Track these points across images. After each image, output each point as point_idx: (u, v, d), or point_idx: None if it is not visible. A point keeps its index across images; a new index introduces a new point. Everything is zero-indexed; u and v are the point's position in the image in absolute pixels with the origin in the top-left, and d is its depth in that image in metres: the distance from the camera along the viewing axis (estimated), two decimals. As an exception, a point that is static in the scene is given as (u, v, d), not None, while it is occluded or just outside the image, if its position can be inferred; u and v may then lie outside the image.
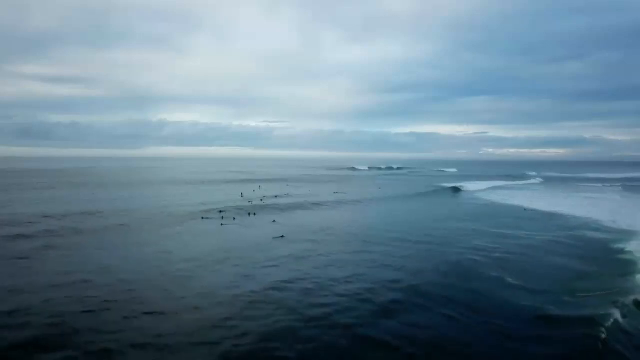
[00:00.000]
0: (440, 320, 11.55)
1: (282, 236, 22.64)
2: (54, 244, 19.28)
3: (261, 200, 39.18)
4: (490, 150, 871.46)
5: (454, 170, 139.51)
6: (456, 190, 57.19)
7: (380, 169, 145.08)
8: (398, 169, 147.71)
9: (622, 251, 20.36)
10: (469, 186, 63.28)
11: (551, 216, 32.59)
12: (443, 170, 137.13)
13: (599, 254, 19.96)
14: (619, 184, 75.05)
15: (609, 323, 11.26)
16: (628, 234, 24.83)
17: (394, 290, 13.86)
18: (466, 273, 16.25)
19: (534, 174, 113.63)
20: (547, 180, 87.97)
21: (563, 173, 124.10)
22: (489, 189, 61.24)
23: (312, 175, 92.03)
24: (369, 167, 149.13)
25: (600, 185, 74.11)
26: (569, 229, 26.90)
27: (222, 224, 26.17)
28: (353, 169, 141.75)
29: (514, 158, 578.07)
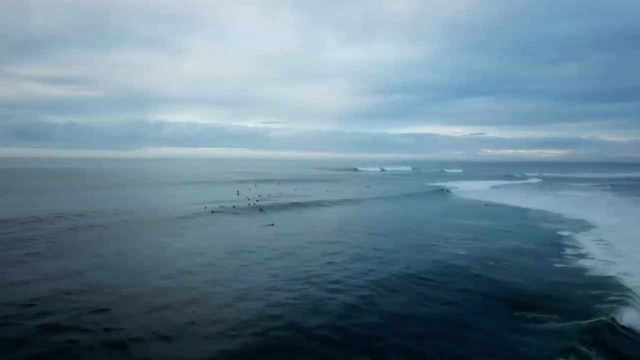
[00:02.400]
0: (399, 287, 14.95)
1: (272, 224, 26.90)
2: (80, 237, 22.25)
3: (258, 197, 42.77)
4: (489, 151, 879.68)
5: (459, 170, 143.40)
6: (445, 190, 60.30)
7: (384, 170, 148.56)
8: (413, 170, 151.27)
9: (566, 237, 24.12)
10: (462, 186, 66.58)
11: (519, 210, 36.67)
12: (444, 171, 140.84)
13: (542, 238, 23.96)
14: (609, 184, 78.55)
15: (532, 282, 15.29)
16: (581, 225, 28.54)
17: (362, 266, 17.47)
18: (427, 255, 19.87)
19: (534, 174, 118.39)
20: (541, 180, 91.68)
21: (558, 173, 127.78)
22: (488, 189, 64.57)
23: (309, 175, 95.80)
24: (379, 168, 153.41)
25: (589, 184, 77.59)
26: (528, 220, 31.07)
27: (221, 215, 30.00)
28: (355, 169, 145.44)
29: (512, 159, 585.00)
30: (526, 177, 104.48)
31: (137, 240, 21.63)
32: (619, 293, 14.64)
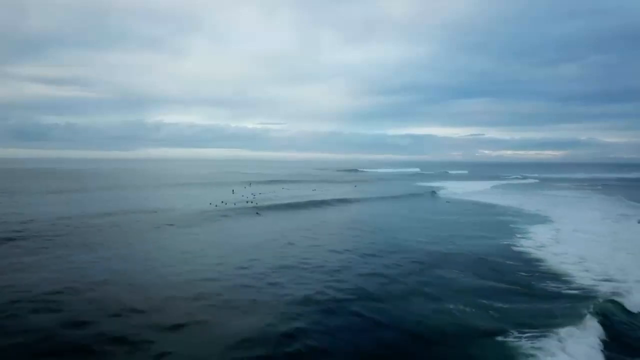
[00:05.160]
0: (366, 260, 19.20)
1: (257, 213, 33.24)
2: (109, 233, 25.01)
3: (252, 196, 46.96)
4: (487, 151, 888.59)
5: (465, 172, 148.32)
6: (433, 191, 62.48)
7: (388, 171, 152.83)
8: (420, 171, 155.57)
9: (517, 227, 28.30)
10: (459, 187, 69.65)
11: (489, 206, 41.44)
12: (448, 172, 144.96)
13: (493, 227, 28.68)
14: (600, 184, 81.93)
15: (467, 255, 19.63)
16: (539, 218, 32.68)
17: (334, 247, 21.76)
18: (392, 240, 24.07)
19: (534, 175, 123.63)
20: (538, 181, 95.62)
21: (556, 174, 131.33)
22: (489, 188, 68.83)
23: (303, 175, 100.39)
24: (389, 169, 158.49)
25: (582, 184, 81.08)
26: (489, 214, 35.59)
27: (223, 212, 34.20)
28: (356, 170, 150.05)
29: (510, 160, 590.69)
30: (525, 178, 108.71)
31: (156, 235, 24.60)
32: (536, 265, 19.01)
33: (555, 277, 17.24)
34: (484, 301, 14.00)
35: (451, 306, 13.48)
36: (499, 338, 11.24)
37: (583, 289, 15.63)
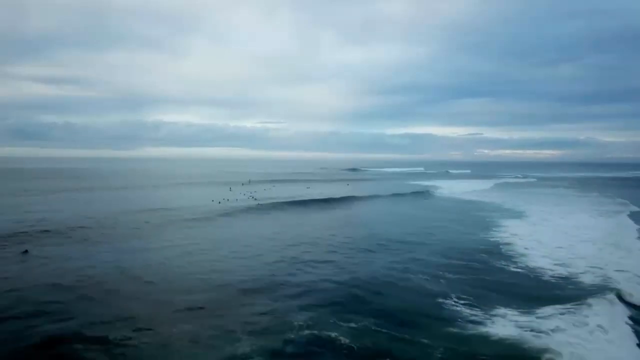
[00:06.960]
0: (356, 253, 22.58)
1: (258, 204, 38.54)
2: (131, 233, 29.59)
3: (249, 193, 50.48)
4: (486, 151, 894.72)
5: (468, 171, 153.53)
6: (426, 191, 65.09)
7: (392, 170, 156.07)
8: (425, 170, 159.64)
9: (491, 221, 31.57)
10: (454, 185, 73.33)
11: (471, 203, 45.47)
12: (449, 172, 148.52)
13: (469, 220, 32.13)
14: (597, 183, 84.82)
15: (439, 242, 22.87)
16: (515, 213, 35.90)
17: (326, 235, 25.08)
18: (377, 233, 27.49)
19: (535, 174, 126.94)
20: (536, 180, 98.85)
21: (555, 173, 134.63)
22: (490, 187, 72.15)
23: (299, 174, 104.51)
24: (396, 168, 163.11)
25: (578, 183, 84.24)
26: (472, 209, 39.11)
27: (228, 208, 37.49)
28: (357, 170, 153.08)
29: (509, 159, 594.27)
30: (526, 177, 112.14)
31: (163, 232, 26.61)
32: (499, 249, 22.40)
33: (509, 258, 20.53)
34: (440, 273, 17.43)
35: (412, 276, 16.92)
36: (439, 299, 14.50)
37: (529, 268, 18.84)
